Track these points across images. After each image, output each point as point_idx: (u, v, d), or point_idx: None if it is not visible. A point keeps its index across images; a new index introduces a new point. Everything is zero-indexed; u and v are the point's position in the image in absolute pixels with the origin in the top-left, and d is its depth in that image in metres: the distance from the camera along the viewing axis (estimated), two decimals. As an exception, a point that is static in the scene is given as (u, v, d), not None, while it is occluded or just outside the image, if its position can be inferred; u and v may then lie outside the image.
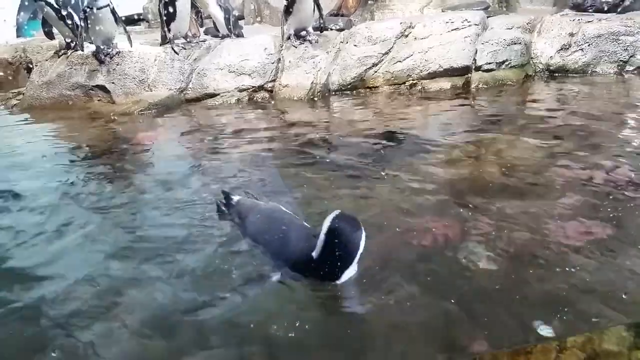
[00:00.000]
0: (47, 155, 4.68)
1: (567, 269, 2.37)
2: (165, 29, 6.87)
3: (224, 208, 3.01)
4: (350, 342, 2.02)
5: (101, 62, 6.63)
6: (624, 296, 2.18)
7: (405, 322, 2.09)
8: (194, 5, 7.14)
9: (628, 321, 2.08)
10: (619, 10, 6.92)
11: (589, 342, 2.25)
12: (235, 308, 2.22)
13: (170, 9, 6.78)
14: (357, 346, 1.99)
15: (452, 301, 2.17)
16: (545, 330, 2.04)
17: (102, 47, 6.66)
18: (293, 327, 2.06)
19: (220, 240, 2.79)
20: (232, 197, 2.98)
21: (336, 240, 2.19)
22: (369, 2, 8.11)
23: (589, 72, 6.57)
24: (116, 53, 6.67)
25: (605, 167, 3.54)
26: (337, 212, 2.27)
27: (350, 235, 2.22)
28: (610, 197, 3.07)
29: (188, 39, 7.01)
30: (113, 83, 6.59)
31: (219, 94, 6.59)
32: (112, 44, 6.72)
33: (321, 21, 7.02)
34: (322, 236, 2.21)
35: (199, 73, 6.67)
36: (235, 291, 2.32)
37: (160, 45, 6.98)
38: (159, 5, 6.91)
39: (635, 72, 6.48)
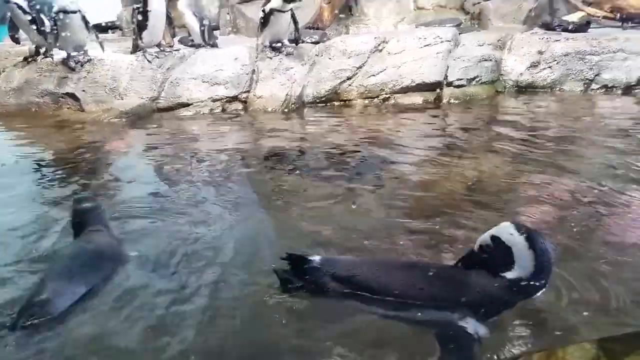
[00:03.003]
0: (6, 164, 4.54)
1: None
2: (138, 37, 6.80)
3: (293, 277, 2.36)
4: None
5: (71, 69, 6.51)
6: (585, 312, 2.21)
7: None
8: (167, 15, 7.08)
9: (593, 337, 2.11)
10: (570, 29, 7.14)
11: (554, 356, 2.28)
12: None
13: (143, 18, 6.71)
14: None
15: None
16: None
17: (72, 54, 6.54)
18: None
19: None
20: (310, 258, 2.36)
21: (543, 250, 2.09)
22: (341, 16, 8.18)
23: (557, 89, 6.75)
24: (87, 60, 6.56)
25: (570, 182, 3.63)
26: (514, 224, 2.16)
27: (546, 243, 2.14)
28: (574, 211, 3.14)
29: (161, 48, 6.94)
30: (83, 91, 6.47)
31: (191, 104, 6.54)
32: (83, 51, 6.61)
33: (297, 34, 7.05)
34: (527, 251, 2.07)
35: (171, 82, 6.61)
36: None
37: (132, 53, 6.90)
38: (132, 14, 6.84)
39: (601, 90, 6.67)
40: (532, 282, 2.09)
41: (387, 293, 2.19)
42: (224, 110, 6.56)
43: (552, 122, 5.41)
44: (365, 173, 4.04)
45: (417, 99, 6.63)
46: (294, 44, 7.02)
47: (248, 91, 6.67)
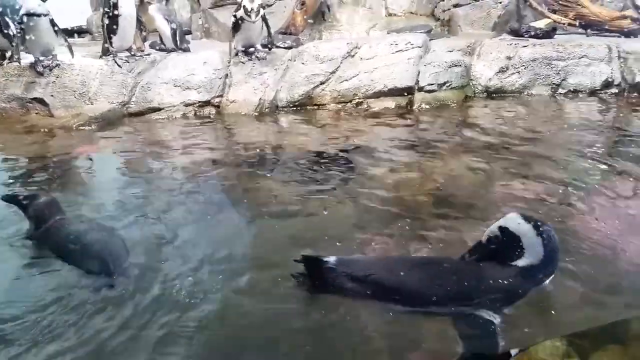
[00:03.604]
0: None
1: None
2: (108, 42, 6.71)
3: (309, 278, 2.41)
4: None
5: (39, 74, 6.38)
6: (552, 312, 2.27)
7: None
8: (138, 20, 7.01)
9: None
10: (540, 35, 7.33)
11: (526, 355, 2.34)
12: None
13: (113, 22, 6.63)
14: None
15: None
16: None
17: (40, 58, 6.41)
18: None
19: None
20: (326, 259, 2.37)
21: (551, 237, 2.19)
22: (310, 21, 8.21)
23: (525, 93, 6.90)
24: (55, 65, 6.44)
25: (538, 184, 3.72)
26: (520, 214, 2.25)
27: (552, 231, 2.23)
28: (542, 212, 3.21)
29: (132, 52, 6.87)
30: (52, 96, 6.34)
31: (163, 109, 6.47)
32: (52, 55, 6.48)
33: (269, 39, 7.06)
34: (536, 239, 2.17)
35: (142, 87, 6.54)
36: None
37: (101, 57, 6.81)
38: (101, 18, 6.75)
39: (567, 94, 6.85)
40: (543, 269, 2.19)
41: (404, 289, 2.22)
42: (196, 114, 6.52)
43: (520, 126, 5.53)
44: (338, 177, 4.07)
45: (389, 103, 6.69)
46: (267, 49, 7.03)
47: (221, 95, 6.64)
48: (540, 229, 2.20)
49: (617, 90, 6.79)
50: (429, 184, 3.86)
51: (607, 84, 6.81)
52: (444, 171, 4.12)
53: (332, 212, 3.35)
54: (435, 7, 8.68)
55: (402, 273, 2.28)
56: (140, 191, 3.83)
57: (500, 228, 2.24)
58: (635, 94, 6.66)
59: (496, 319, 2.10)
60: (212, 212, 3.40)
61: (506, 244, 2.22)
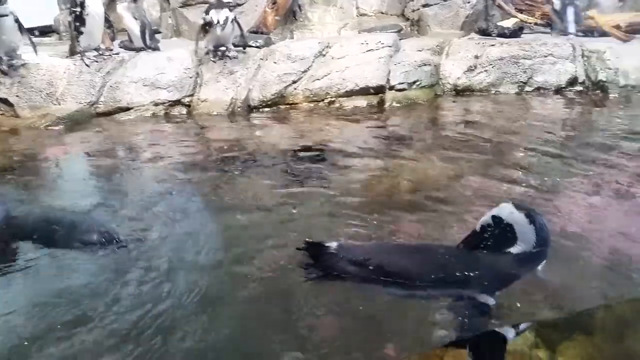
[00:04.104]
0: None
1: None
2: (75, 41, 6.60)
3: (313, 262, 2.50)
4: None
5: (3, 73, 6.23)
6: (518, 304, 2.33)
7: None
8: (106, 19, 6.91)
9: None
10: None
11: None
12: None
13: (80, 21, 6.52)
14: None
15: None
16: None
17: (4, 57, 6.27)
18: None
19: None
20: (327, 244, 2.48)
21: (542, 225, 2.31)
22: (277, 18, 8.20)
23: (493, 91, 7.02)
24: (21, 64, 6.31)
25: (507, 180, 3.80)
26: (512, 203, 2.36)
27: (543, 219, 2.35)
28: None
29: (100, 52, 6.76)
30: (17, 96, 6.21)
31: (132, 108, 6.39)
32: (16, 54, 6.34)
33: (242, 39, 7.03)
34: (529, 227, 2.28)
35: (111, 86, 6.45)
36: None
37: (68, 57, 6.69)
38: (69, 17, 6.64)
39: (534, 92, 7.00)
40: (535, 255, 2.31)
41: (403, 274, 2.31)
42: (166, 114, 6.46)
43: (488, 124, 5.63)
44: (310, 175, 4.09)
45: (361, 102, 6.74)
46: (240, 49, 7.00)
47: (192, 95, 6.60)
48: (533, 217, 2.32)
49: (581, 88, 6.96)
50: (400, 180, 3.91)
51: (572, 82, 6.96)
52: (415, 167, 4.18)
53: (304, 209, 3.37)
54: (405, 7, 8.77)
55: (399, 258, 2.40)
56: (109, 192, 3.79)
57: (494, 217, 2.35)
58: (598, 91, 6.85)
59: (488, 300, 2.20)
60: (182, 212, 3.38)
61: (500, 232, 2.34)
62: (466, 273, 2.28)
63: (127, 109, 6.40)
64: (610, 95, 6.66)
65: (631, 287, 2.44)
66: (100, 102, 6.40)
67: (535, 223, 2.30)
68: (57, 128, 5.86)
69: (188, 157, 4.69)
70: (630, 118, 5.67)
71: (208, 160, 4.61)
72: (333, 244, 2.45)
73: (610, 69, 6.79)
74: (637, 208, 3.27)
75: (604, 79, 6.80)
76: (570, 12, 7.25)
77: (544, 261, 2.36)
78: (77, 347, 2.02)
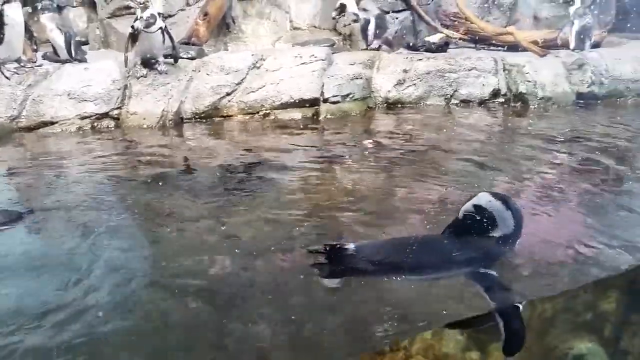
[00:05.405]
0: None
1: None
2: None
3: (330, 264, 2.61)
4: None
5: None
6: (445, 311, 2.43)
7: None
8: (28, 29, 6.59)
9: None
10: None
11: (431, 348, 2.49)
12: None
13: (-3, 31, 6.19)
14: None
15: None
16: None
17: None
18: None
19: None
20: (346, 246, 2.61)
21: (517, 209, 2.61)
22: (210, 31, 8.14)
23: (422, 104, 7.30)
24: None
25: (437, 188, 3.95)
26: (488, 193, 2.67)
27: (517, 204, 2.68)
28: (443, 215, 3.40)
29: (22, 64, 6.44)
30: None
31: (57, 122, 6.12)
32: None
33: (174, 51, 6.88)
34: (506, 212, 2.57)
35: (34, 100, 6.15)
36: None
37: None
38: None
39: (460, 104, 7.34)
40: (514, 236, 2.62)
41: (417, 264, 2.58)
42: (93, 128, 6.23)
43: (418, 135, 5.84)
44: (243, 189, 4.07)
45: (296, 114, 6.80)
46: (172, 61, 6.87)
47: (120, 107, 6.40)
48: (508, 203, 2.61)
49: (503, 100, 7.38)
50: (335, 191, 3.97)
51: (495, 94, 7.38)
52: (351, 179, 4.25)
53: (245, 224, 3.34)
54: (337, 22, 8.95)
55: (406, 249, 2.61)
56: (32, 213, 3.59)
57: (475, 206, 2.61)
58: (519, 103, 7.29)
59: (494, 273, 2.51)
60: (107, 229, 3.26)
61: (481, 219, 2.59)
62: (470, 255, 2.59)
63: (52, 123, 6.13)
64: (530, 106, 7.12)
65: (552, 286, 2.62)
66: (23, 117, 6.10)
67: (511, 208, 2.60)
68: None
69: (113, 173, 4.53)
70: (548, 126, 6.14)
71: (134, 176, 4.48)
72: (350, 245, 2.62)
73: (529, 81, 7.28)
74: (557, 211, 3.49)
75: (524, 91, 7.28)
76: (587, 34, 7.74)
77: (519, 240, 2.66)
78: None
